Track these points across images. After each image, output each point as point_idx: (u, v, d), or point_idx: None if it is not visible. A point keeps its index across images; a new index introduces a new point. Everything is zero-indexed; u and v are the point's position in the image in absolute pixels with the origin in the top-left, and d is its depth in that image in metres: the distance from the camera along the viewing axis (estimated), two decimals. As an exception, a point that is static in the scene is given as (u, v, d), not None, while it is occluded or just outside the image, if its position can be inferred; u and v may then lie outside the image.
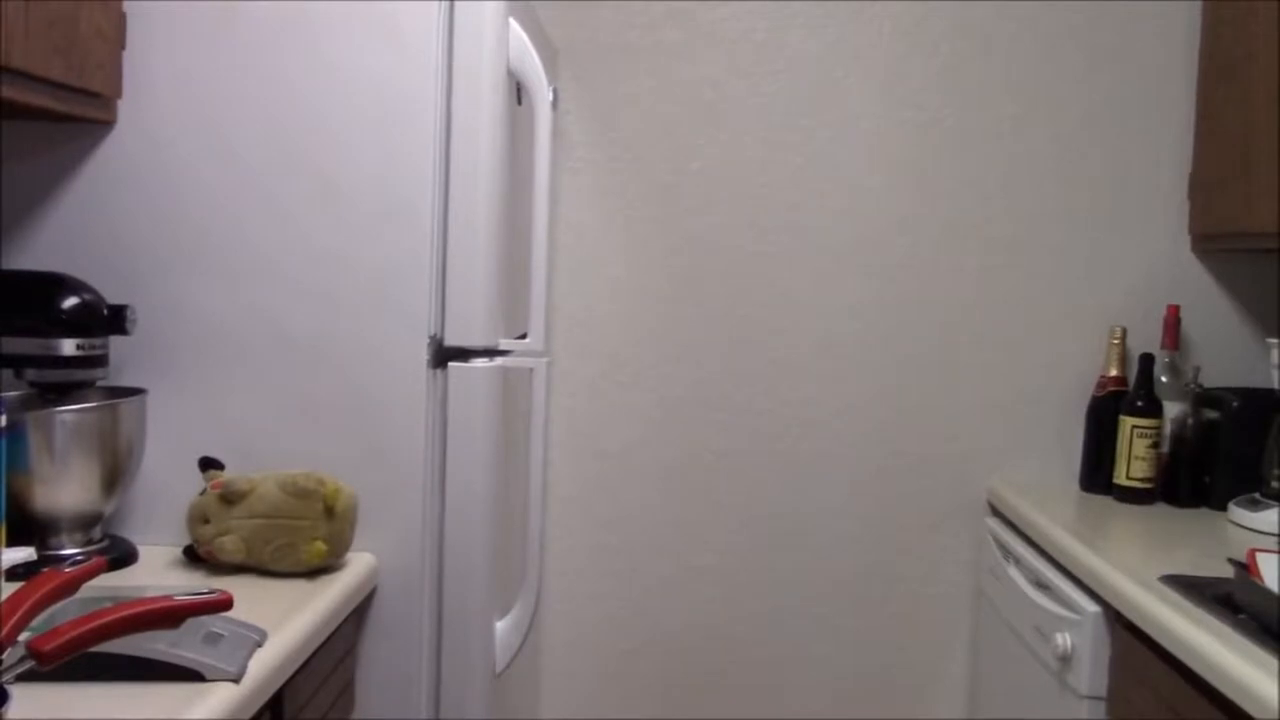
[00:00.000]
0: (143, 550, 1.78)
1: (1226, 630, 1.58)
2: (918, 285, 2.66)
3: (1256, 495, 2.29)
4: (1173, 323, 2.52)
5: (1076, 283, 2.64)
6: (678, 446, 2.70)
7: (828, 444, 2.69)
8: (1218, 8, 2.46)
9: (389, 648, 1.82)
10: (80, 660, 1.12)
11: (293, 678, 1.47)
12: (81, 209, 1.80)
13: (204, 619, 1.33)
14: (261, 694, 1.34)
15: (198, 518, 1.70)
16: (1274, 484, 2.24)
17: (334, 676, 1.68)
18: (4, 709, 1.03)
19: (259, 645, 1.39)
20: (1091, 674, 1.92)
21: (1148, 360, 2.46)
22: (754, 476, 2.70)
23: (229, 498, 1.68)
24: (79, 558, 1.64)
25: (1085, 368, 2.64)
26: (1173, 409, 2.47)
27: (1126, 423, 2.45)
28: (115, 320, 1.72)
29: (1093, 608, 1.94)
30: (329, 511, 1.69)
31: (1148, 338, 2.59)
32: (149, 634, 1.22)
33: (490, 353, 1.87)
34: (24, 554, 1.56)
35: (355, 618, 1.79)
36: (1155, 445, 2.44)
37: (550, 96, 1.98)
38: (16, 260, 1.80)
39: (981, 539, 2.62)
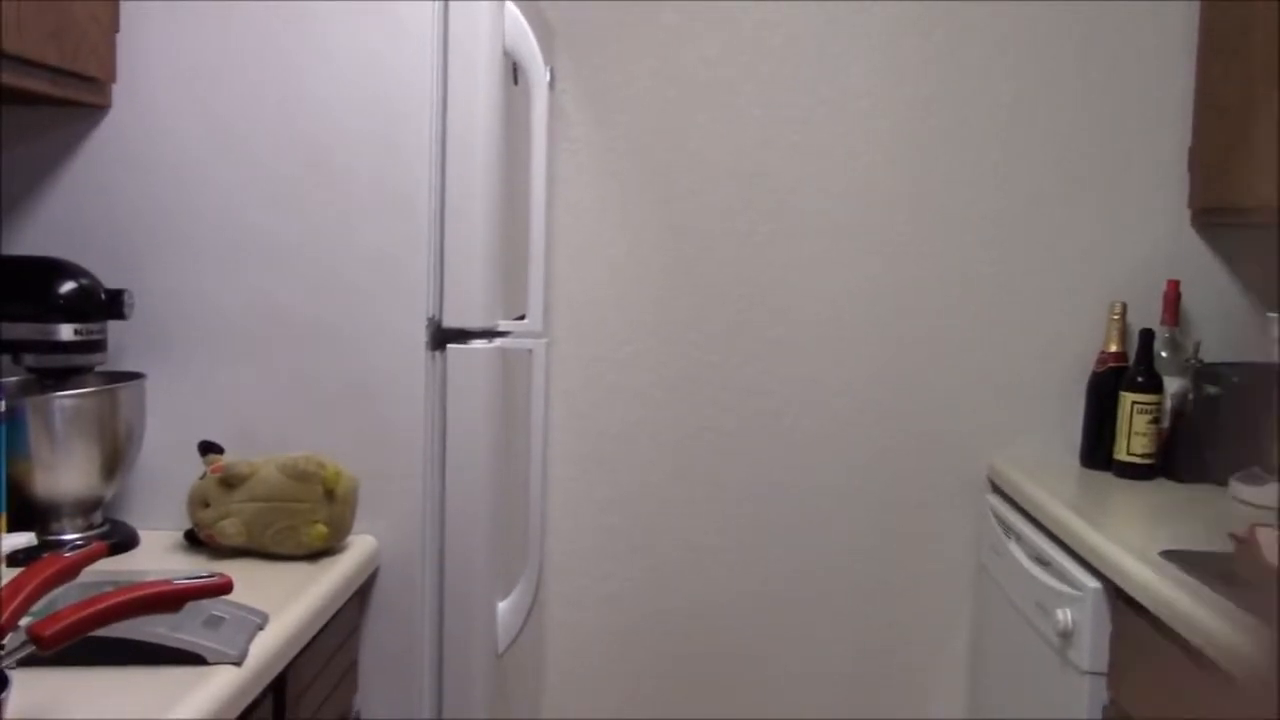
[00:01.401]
0: (143, 535, 1.78)
1: (1227, 605, 1.58)
2: (917, 264, 2.65)
3: (1257, 470, 2.29)
4: (1173, 298, 2.51)
5: (1076, 259, 2.64)
6: (678, 427, 2.70)
7: (828, 423, 2.69)
8: (1217, -19, 2.44)
9: (391, 629, 1.82)
10: (81, 645, 1.12)
11: (295, 660, 1.47)
12: (78, 193, 1.79)
13: (205, 602, 1.33)
14: (263, 676, 1.34)
15: (198, 502, 1.70)
16: (1275, 458, 2.24)
17: (336, 659, 1.69)
18: (5, 694, 1.03)
19: (260, 628, 1.39)
20: (1092, 650, 1.93)
21: (1148, 336, 2.45)
22: (754, 456, 2.70)
23: (229, 481, 1.68)
24: (79, 543, 1.65)
25: (1085, 344, 2.63)
26: (1173, 384, 2.47)
27: (1127, 398, 2.44)
28: (113, 305, 1.71)
29: (1093, 584, 1.94)
30: (329, 494, 1.69)
31: (1148, 313, 2.59)
32: (150, 618, 1.22)
33: (489, 334, 1.87)
34: (24, 539, 1.56)
35: (357, 600, 1.79)
36: (1156, 421, 2.43)
37: (547, 77, 1.97)
38: (13, 246, 1.79)
39: (982, 516, 2.63)
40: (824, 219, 2.65)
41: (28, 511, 1.65)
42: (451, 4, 1.79)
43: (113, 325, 1.78)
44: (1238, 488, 2.29)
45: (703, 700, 2.76)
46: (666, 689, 2.75)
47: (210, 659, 1.28)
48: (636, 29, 2.62)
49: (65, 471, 1.65)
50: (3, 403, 1.51)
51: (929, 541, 2.69)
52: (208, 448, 1.76)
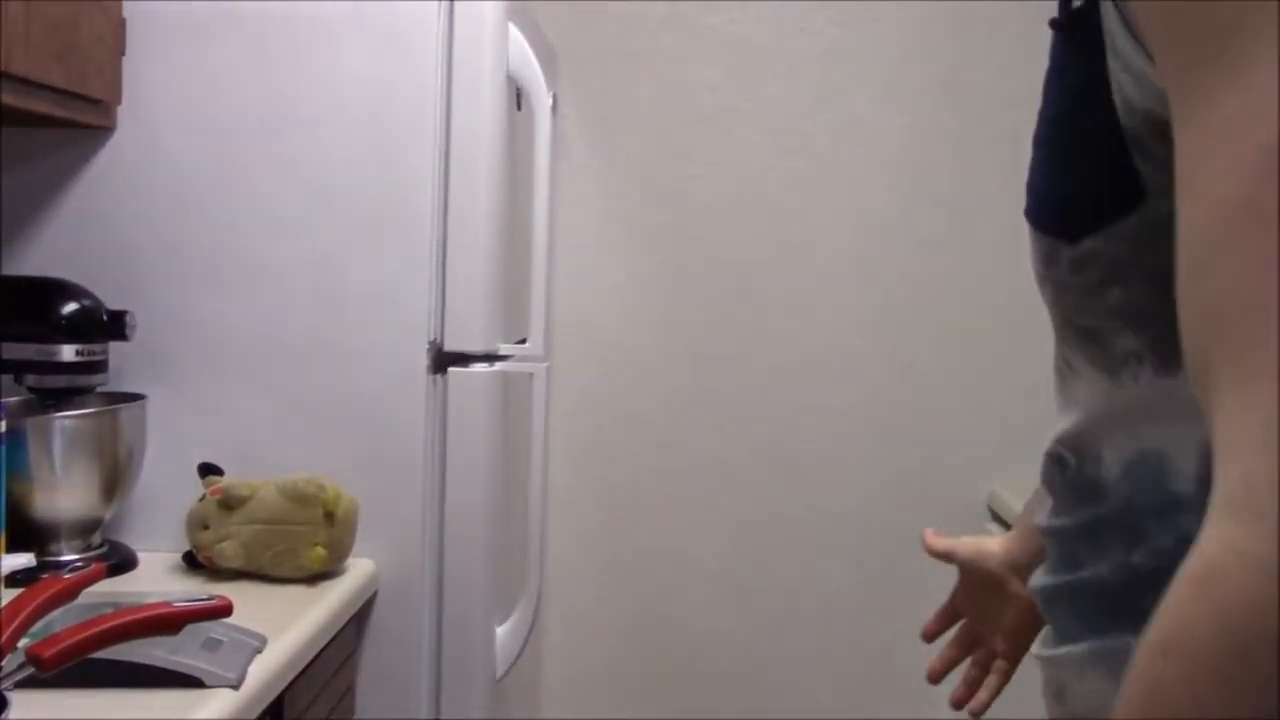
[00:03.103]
0: (142, 556, 1.77)
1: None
2: (919, 289, 2.65)
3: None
4: (1173, 326, 2.51)
5: (1076, 287, 2.64)
6: (678, 452, 2.70)
7: (828, 449, 2.69)
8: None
9: (389, 653, 1.82)
10: (80, 667, 1.12)
11: (292, 684, 1.46)
12: (81, 215, 1.80)
13: (203, 625, 1.33)
14: (261, 700, 1.34)
15: (197, 523, 1.70)
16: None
17: (334, 682, 1.68)
18: (4, 715, 1.03)
19: (258, 651, 1.38)
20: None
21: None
22: (755, 482, 2.70)
23: (229, 503, 1.68)
24: (78, 564, 1.65)
25: (1085, 372, 2.63)
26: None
27: (1127, 427, 2.44)
28: (115, 326, 1.72)
29: (1093, 612, 1.93)
30: (329, 517, 1.69)
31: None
32: (148, 640, 1.22)
33: (490, 358, 1.87)
34: (23, 560, 1.56)
35: (355, 623, 1.79)
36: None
37: (550, 101, 1.98)
38: (17, 266, 1.80)
39: (982, 543, 2.62)
40: (825, 245, 2.65)
41: (27, 532, 1.65)
42: (455, 29, 1.80)
43: (114, 346, 1.78)
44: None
45: (701, 726, 2.75)
46: (666, 714, 2.74)
47: (208, 682, 1.28)
48: (639, 54, 2.64)
49: (65, 492, 1.65)
50: (3, 423, 1.51)
51: (928, 568, 2.68)
52: (207, 469, 1.75)
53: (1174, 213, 0.55)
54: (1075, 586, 0.72)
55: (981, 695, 1.20)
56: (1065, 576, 0.74)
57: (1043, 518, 0.78)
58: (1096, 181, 0.65)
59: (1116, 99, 0.63)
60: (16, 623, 1.10)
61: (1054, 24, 0.69)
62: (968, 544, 1.24)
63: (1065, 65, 0.68)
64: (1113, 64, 0.63)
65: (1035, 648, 0.80)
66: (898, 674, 2.71)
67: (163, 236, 1.80)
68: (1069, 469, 0.73)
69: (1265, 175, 0.49)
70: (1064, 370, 0.74)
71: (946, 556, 1.23)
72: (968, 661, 1.26)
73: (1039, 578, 0.78)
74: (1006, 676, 1.21)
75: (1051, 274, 0.71)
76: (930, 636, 1.26)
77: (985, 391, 2.66)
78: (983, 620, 1.23)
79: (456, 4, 1.79)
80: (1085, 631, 0.71)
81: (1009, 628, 1.20)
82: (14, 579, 1.53)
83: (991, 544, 1.21)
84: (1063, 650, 0.73)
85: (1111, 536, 0.69)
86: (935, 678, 1.25)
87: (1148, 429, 0.67)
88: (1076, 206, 0.67)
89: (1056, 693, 0.74)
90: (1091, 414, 0.71)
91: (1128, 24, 0.61)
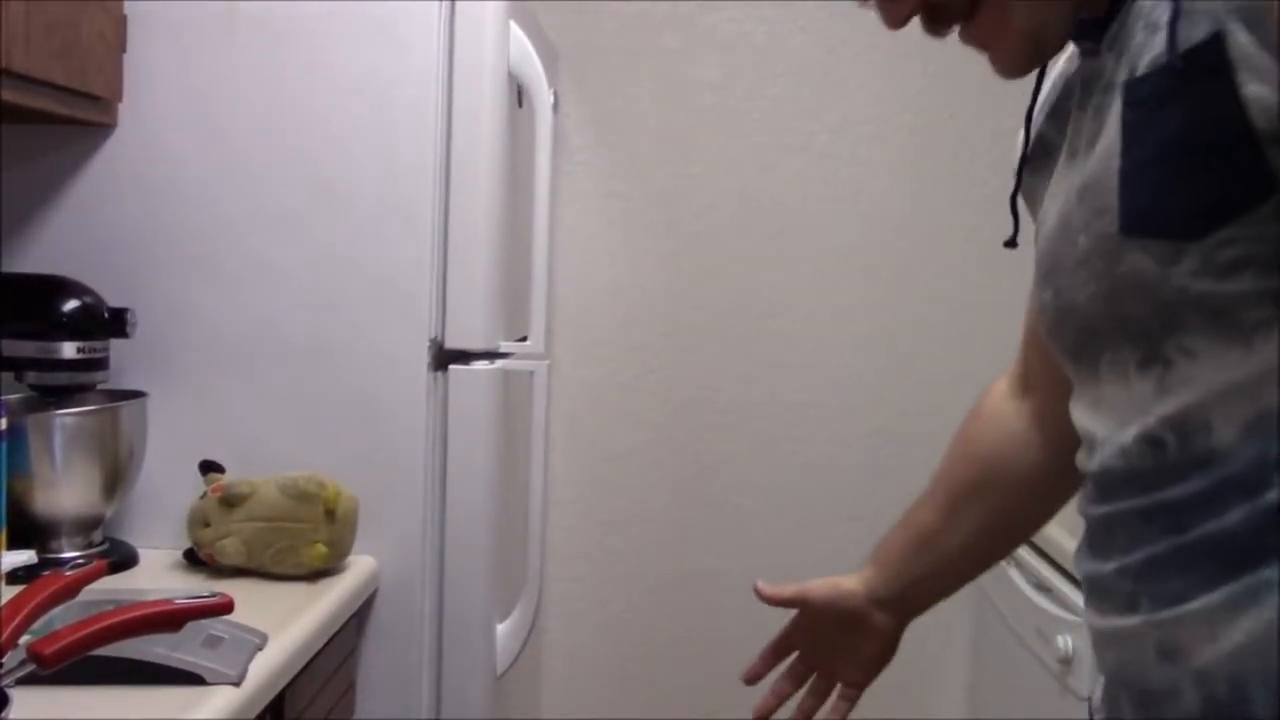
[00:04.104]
0: (143, 553, 1.77)
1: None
2: (920, 286, 2.65)
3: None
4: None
5: (1077, 285, 2.64)
6: (679, 449, 2.70)
7: (830, 446, 2.69)
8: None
9: (390, 650, 1.82)
10: (81, 664, 1.12)
11: (294, 681, 1.46)
12: (82, 212, 1.80)
13: (205, 622, 1.33)
14: (262, 697, 1.34)
15: (198, 521, 1.70)
16: None
17: (335, 679, 1.68)
18: (5, 712, 1.03)
19: (260, 648, 1.38)
20: (1093, 676, 1.92)
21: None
22: (756, 479, 2.70)
23: (230, 501, 1.68)
24: (79, 561, 1.65)
25: (1086, 370, 2.63)
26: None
27: (1127, 425, 2.44)
28: (116, 323, 1.72)
29: (1094, 610, 1.93)
30: (330, 514, 1.69)
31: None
32: (149, 637, 1.22)
33: (491, 355, 1.87)
34: (24, 557, 1.55)
35: (356, 621, 1.79)
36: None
37: (551, 99, 1.98)
38: (17, 263, 1.80)
39: (982, 542, 2.62)
40: (825, 243, 2.66)
41: (28, 529, 1.65)
42: (456, 27, 1.80)
43: (115, 344, 1.78)
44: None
45: (701, 724, 2.75)
46: (666, 712, 2.75)
47: (209, 679, 1.28)
48: (640, 52, 2.64)
49: (66, 489, 1.65)
50: (4, 420, 1.51)
51: (928, 567, 2.69)
52: (208, 467, 1.75)
53: None
54: (1184, 548, 0.77)
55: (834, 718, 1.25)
56: (1169, 543, 0.78)
57: (1105, 507, 0.83)
58: (1227, 180, 0.73)
59: (1251, 108, 0.70)
60: (17, 620, 1.10)
61: (1167, 68, 0.75)
62: (822, 586, 1.29)
63: (1172, 97, 0.75)
64: (1244, 79, 0.70)
65: (1120, 619, 0.82)
66: (899, 673, 2.71)
67: (164, 233, 1.80)
68: (1168, 449, 0.78)
69: None
70: (1172, 360, 0.78)
71: (796, 602, 1.27)
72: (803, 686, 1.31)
73: (1115, 560, 0.82)
74: (854, 703, 1.29)
75: (1172, 271, 0.76)
76: (755, 678, 1.29)
77: (987, 387, 2.66)
78: (832, 655, 1.29)
79: (458, 2, 1.79)
80: (1209, 583, 0.75)
81: (867, 659, 1.28)
82: (15, 576, 1.53)
83: (849, 583, 1.29)
84: (1182, 609, 0.76)
85: (1233, 494, 0.75)
86: (765, 713, 1.28)
87: (1268, 389, 0.74)
88: (1203, 206, 0.74)
89: (1167, 653, 0.78)
90: (1206, 389, 0.76)
91: (1264, 43, 0.70)
